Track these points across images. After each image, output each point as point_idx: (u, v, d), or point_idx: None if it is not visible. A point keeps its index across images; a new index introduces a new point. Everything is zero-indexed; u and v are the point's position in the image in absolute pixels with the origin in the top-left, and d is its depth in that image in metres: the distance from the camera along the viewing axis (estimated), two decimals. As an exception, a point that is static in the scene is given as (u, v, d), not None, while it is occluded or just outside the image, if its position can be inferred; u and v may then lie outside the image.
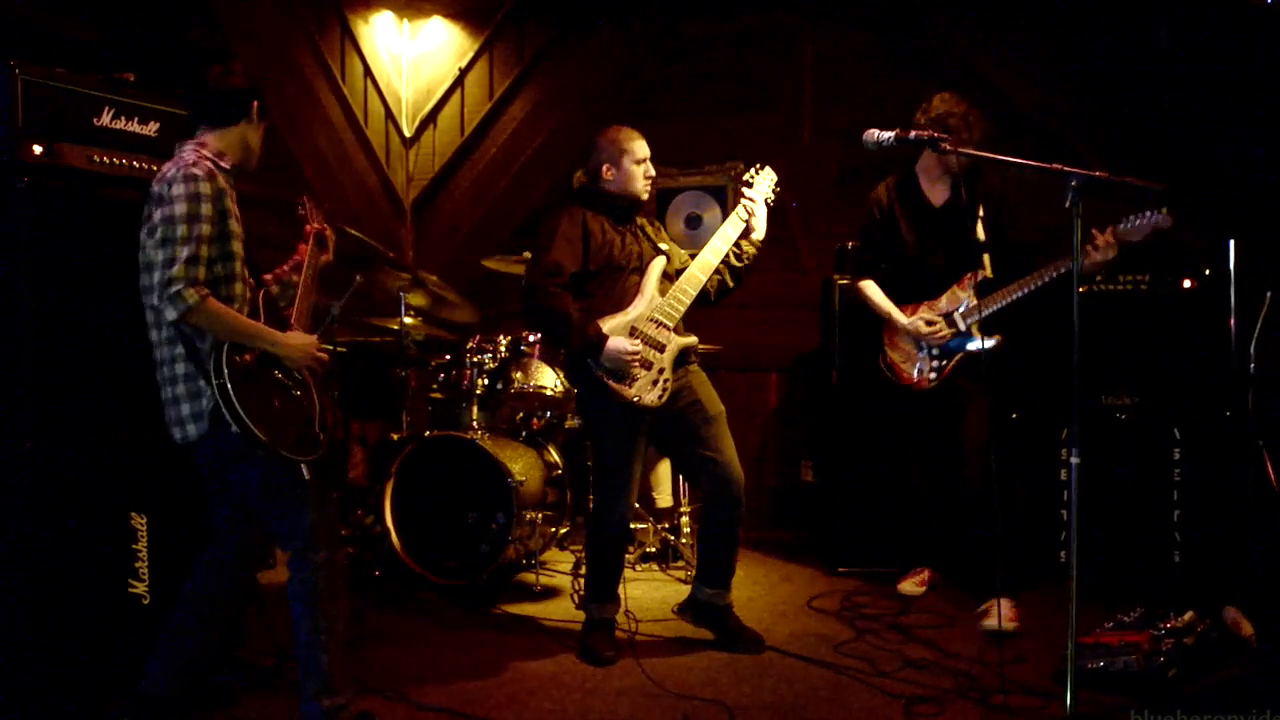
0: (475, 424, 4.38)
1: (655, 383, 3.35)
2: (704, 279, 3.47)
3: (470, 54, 6.03)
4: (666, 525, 4.65)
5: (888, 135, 3.01)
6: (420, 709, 2.95)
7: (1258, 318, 3.66)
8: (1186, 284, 4.12)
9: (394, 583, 4.22)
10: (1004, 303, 3.67)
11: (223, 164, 2.62)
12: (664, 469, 4.92)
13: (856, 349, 4.37)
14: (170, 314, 2.39)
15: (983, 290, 3.71)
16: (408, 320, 4.63)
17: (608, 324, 3.33)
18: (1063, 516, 4.14)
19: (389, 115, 6.06)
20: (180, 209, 2.43)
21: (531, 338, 4.58)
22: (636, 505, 4.62)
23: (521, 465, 4.23)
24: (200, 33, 4.40)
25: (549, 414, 4.71)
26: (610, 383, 3.29)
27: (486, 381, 4.51)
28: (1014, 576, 3.69)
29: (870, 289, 3.95)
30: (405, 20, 6.06)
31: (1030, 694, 3.00)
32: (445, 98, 6.09)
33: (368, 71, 5.92)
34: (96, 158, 2.87)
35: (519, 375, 4.49)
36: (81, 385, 2.85)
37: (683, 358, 3.46)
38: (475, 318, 4.94)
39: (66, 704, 2.81)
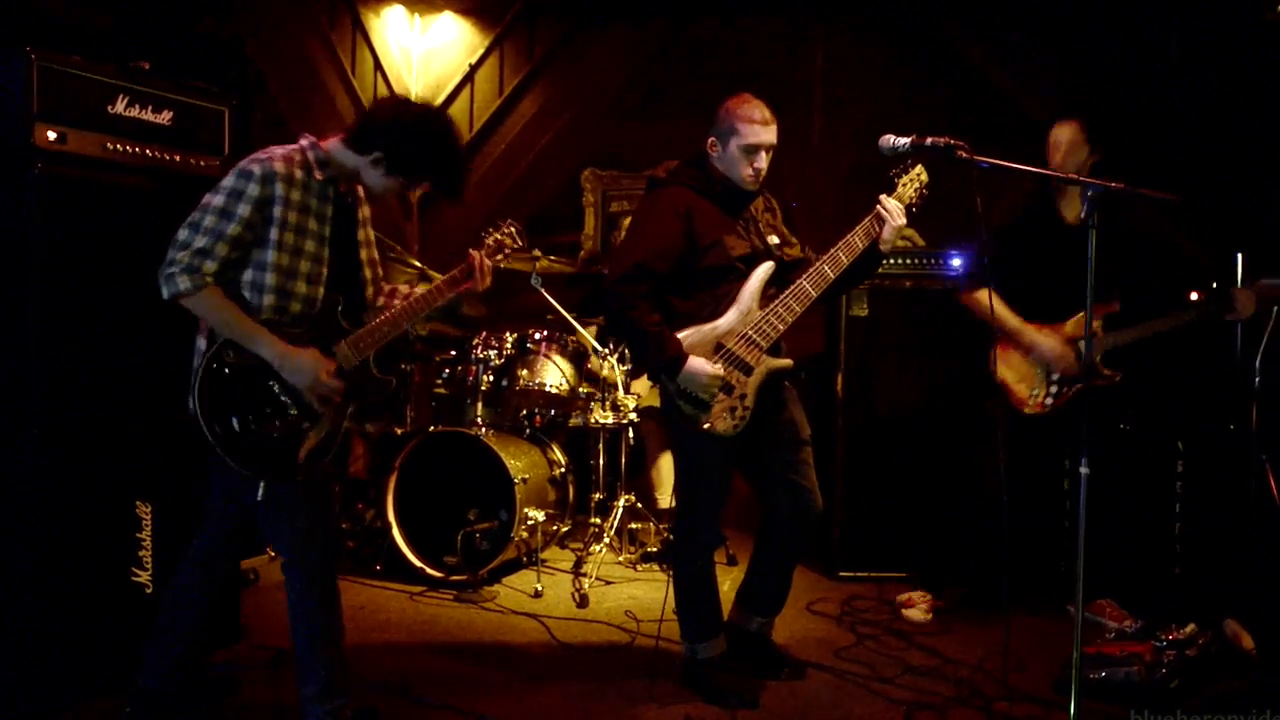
0: (479, 420, 4.38)
1: (733, 410, 2.94)
2: (816, 294, 2.99)
3: (481, 50, 6.04)
4: (668, 525, 4.65)
5: (904, 141, 2.99)
6: (421, 705, 2.94)
7: (1263, 332, 3.66)
8: (1194, 297, 4.12)
9: (395, 577, 4.21)
10: (1133, 339, 3.61)
11: (317, 173, 2.53)
12: (666, 469, 4.92)
13: (861, 355, 4.38)
14: (163, 291, 2.38)
15: (1109, 323, 3.65)
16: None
17: (689, 338, 2.92)
18: (1064, 526, 4.14)
19: (398, 109, 6.05)
20: (218, 200, 2.41)
21: (537, 335, 4.58)
22: (639, 505, 4.65)
23: (525, 463, 4.24)
24: (213, 22, 4.39)
25: (553, 412, 4.71)
26: (681, 405, 2.92)
27: (492, 378, 4.50)
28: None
29: (994, 300, 3.68)
30: (416, 15, 6.07)
31: (1032, 703, 3.00)
32: (455, 93, 6.10)
33: (378, 65, 5.92)
34: (110, 145, 2.86)
35: (524, 372, 4.50)
36: (89, 373, 2.85)
37: (773, 381, 3.05)
38: (481, 314, 4.94)
39: (67, 693, 2.80)
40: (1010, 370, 3.76)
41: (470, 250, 2.82)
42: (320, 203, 2.55)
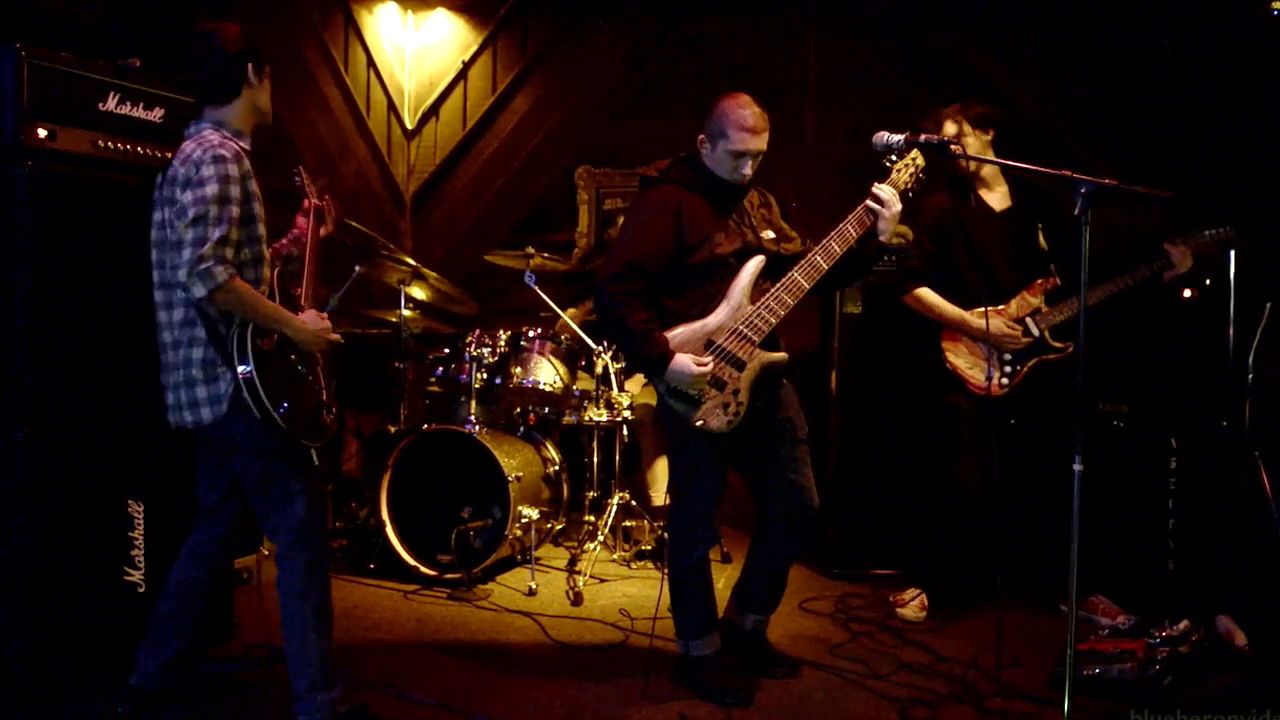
0: (473, 418, 4.37)
1: (726, 406, 2.90)
2: (809, 286, 2.95)
3: (474, 47, 6.03)
4: (662, 523, 4.65)
5: (898, 138, 2.98)
6: (414, 703, 2.94)
7: (1257, 328, 3.67)
8: (1186, 293, 4.13)
9: (388, 576, 4.20)
10: (1078, 309, 3.67)
11: (244, 144, 2.59)
12: (660, 466, 4.92)
13: (855, 351, 4.37)
14: (199, 290, 2.38)
15: (1052, 298, 3.76)
16: (406, 313, 4.62)
17: (680, 336, 2.91)
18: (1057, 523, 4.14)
19: (391, 107, 6.05)
20: (212, 190, 2.41)
21: (531, 333, 4.57)
22: (634, 503, 4.65)
23: (518, 461, 4.23)
24: (204, 19, 4.36)
25: (547, 409, 4.70)
26: (672, 403, 2.92)
27: (485, 376, 4.50)
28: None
29: (930, 296, 3.81)
30: (409, 12, 6.06)
31: (1026, 700, 3.01)
32: (448, 90, 6.09)
33: (371, 62, 5.91)
34: (100, 143, 2.85)
35: (518, 370, 4.49)
36: (80, 371, 2.84)
37: (768, 376, 3.02)
38: (474, 311, 4.94)
39: (59, 692, 2.79)
40: (960, 358, 3.81)
41: (306, 202, 2.86)
42: (250, 167, 2.58)
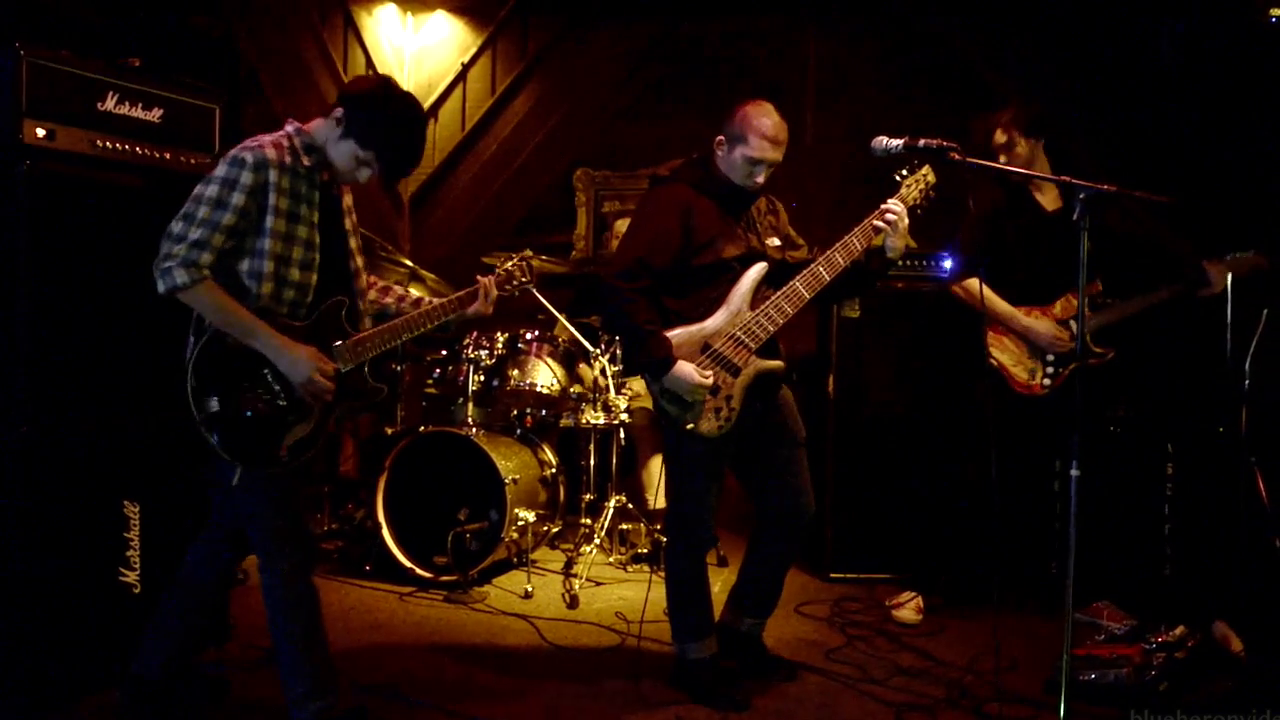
0: (470, 420, 4.37)
1: (718, 411, 2.90)
2: (809, 296, 2.94)
3: (473, 49, 6.03)
4: (659, 526, 4.64)
5: (896, 143, 2.98)
6: (410, 705, 2.93)
7: (1253, 334, 3.67)
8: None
9: (384, 578, 4.19)
10: (1121, 316, 3.72)
11: (304, 159, 2.51)
12: (657, 469, 4.91)
13: (853, 356, 4.37)
14: (159, 286, 2.37)
15: (1094, 304, 3.76)
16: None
17: (676, 337, 2.90)
18: (1055, 527, 4.14)
19: (390, 107, 6.04)
20: (211, 190, 2.39)
21: (528, 335, 4.57)
22: (630, 506, 4.64)
23: (515, 463, 4.23)
24: (203, 19, 4.37)
25: (544, 412, 4.70)
26: (664, 404, 2.92)
27: (482, 378, 4.50)
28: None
29: (983, 288, 3.68)
30: (409, 13, 6.06)
31: (1022, 704, 3.01)
32: (447, 92, 6.10)
33: (370, 63, 5.91)
34: (99, 142, 2.84)
35: (515, 372, 4.49)
36: (78, 372, 2.83)
37: (764, 383, 3.01)
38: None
39: (54, 692, 2.78)
40: (1006, 354, 3.80)
41: (479, 276, 2.83)
42: (309, 188, 2.54)
